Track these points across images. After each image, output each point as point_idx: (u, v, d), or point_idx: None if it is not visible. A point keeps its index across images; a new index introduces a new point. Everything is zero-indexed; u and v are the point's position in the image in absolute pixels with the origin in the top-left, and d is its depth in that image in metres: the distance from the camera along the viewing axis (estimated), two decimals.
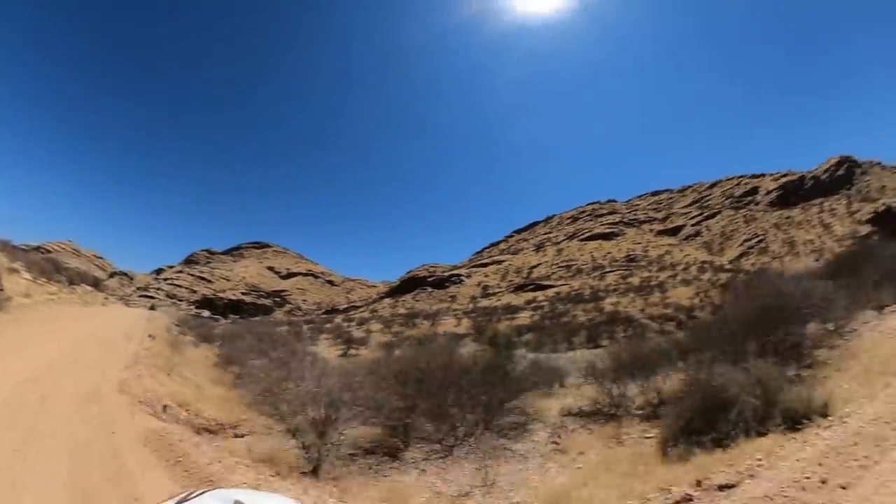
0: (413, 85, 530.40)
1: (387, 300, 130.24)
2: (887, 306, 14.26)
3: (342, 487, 7.84)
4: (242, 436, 10.18)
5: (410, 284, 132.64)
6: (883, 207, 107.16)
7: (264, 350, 21.13)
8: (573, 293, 71.20)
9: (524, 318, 58.50)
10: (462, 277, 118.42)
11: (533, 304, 69.32)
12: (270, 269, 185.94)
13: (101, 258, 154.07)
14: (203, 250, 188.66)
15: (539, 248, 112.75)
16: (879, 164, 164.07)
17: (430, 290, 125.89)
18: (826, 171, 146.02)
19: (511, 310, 67.97)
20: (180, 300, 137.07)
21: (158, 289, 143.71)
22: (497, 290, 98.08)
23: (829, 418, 6.76)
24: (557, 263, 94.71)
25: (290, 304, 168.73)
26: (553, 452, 10.11)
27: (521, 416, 11.98)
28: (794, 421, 6.85)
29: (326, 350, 39.19)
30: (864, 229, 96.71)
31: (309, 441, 8.52)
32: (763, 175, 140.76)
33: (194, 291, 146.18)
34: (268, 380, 11.28)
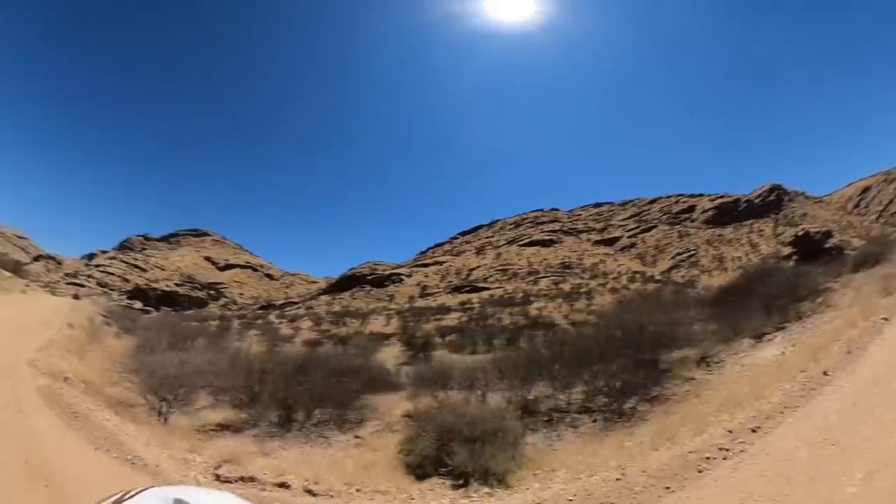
0: (369, 78, 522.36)
1: (324, 297, 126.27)
2: (766, 334, 13.14)
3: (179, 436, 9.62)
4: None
5: (349, 282, 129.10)
6: (802, 232, 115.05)
7: (179, 342, 22.51)
8: (506, 296, 70.36)
9: (452, 319, 57.29)
10: (402, 276, 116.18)
11: (465, 306, 68.18)
12: (208, 259, 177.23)
13: (24, 238, 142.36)
14: (139, 235, 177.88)
15: (480, 250, 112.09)
16: (804, 193, 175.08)
17: (369, 288, 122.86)
18: (759, 196, 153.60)
19: (443, 311, 66.48)
20: (112, 289, 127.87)
21: (89, 276, 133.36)
22: (435, 290, 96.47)
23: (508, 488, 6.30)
24: (495, 267, 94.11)
25: (226, 297, 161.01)
26: (352, 447, 10.49)
27: (365, 413, 12.53)
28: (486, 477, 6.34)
29: (254, 346, 38.83)
30: (786, 250, 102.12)
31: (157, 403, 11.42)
32: (701, 195, 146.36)
33: (126, 281, 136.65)
34: (159, 365, 13.03)
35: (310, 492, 6.68)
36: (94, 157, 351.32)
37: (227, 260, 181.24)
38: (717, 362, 11.50)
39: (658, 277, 79.27)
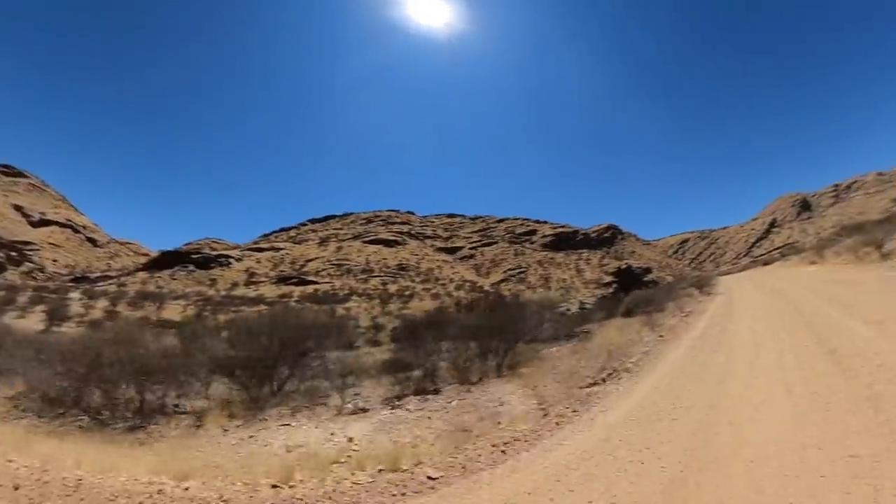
0: (247, 47, 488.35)
1: (141, 274, 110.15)
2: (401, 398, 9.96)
3: None
4: None
5: (172, 259, 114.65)
6: (625, 265, 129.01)
7: None
8: (330, 293, 66.61)
9: (253, 312, 52.01)
10: (231, 260, 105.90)
11: (283, 299, 63.09)
12: (18, 208, 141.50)
13: None
14: None
15: (323, 242, 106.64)
16: (635, 235, 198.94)
17: (192, 268, 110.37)
18: (596, 231, 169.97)
19: (252, 302, 60.68)
20: None
21: None
22: (262, 279, 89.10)
23: None
24: (332, 261, 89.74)
25: (33, 263, 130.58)
26: None
27: None
28: None
29: (36, 323, 34.07)
30: (608, 278, 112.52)
31: None
32: (546, 223, 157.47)
33: None
34: None
35: None
36: None
37: (43, 214, 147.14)
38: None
39: (486, 288, 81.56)
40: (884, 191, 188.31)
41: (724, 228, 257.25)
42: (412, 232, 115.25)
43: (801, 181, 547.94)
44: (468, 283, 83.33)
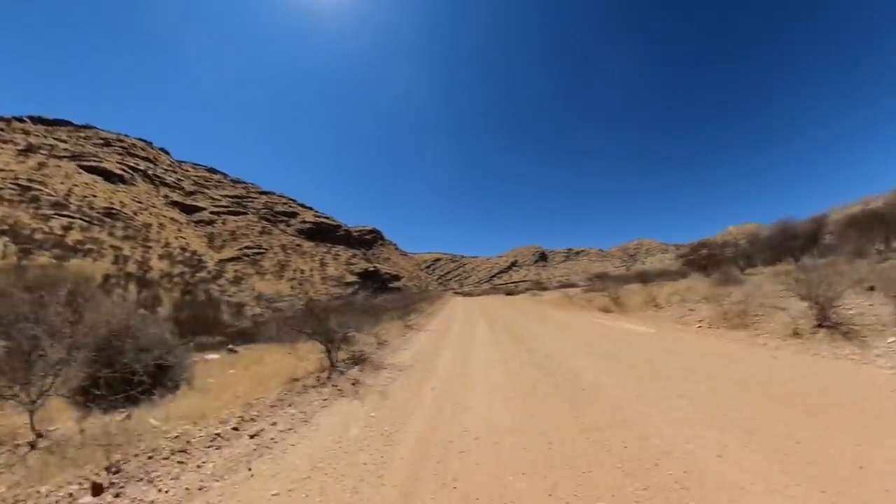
0: None
1: None
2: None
3: None
4: None
5: None
6: (373, 268, 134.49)
7: None
8: None
9: None
10: None
11: None
12: None
13: None
14: None
15: (27, 151, 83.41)
16: (396, 245, 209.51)
17: None
18: (360, 231, 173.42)
19: None
20: None
21: None
22: None
23: None
24: (20, 180, 71.17)
25: None
26: None
27: None
28: None
29: None
30: (352, 278, 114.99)
31: None
32: (311, 209, 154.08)
33: None
34: None
35: None
36: None
37: None
38: None
39: (206, 264, 74.94)
40: (601, 261, 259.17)
41: (474, 257, 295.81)
42: (150, 173, 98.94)
43: (542, 238, 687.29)
44: (188, 254, 75.36)
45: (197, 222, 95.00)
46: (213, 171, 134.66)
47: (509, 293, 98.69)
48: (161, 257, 62.97)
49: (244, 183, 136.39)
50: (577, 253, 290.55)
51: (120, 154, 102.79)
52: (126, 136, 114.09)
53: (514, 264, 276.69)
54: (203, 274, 67.61)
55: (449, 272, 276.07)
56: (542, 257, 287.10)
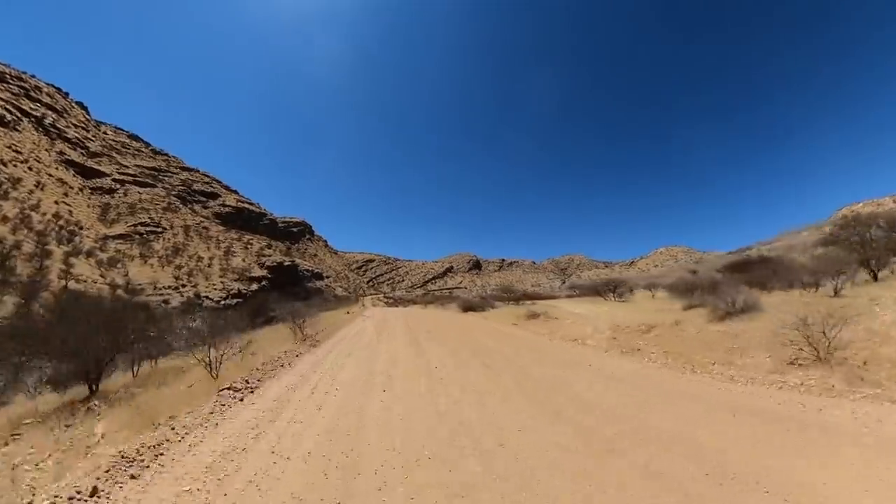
0: None
1: None
2: None
3: None
4: None
5: None
6: (290, 262, 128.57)
7: None
8: None
9: None
10: None
11: None
12: None
13: None
14: None
15: None
16: (326, 241, 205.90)
17: None
18: (286, 222, 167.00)
19: None
20: None
21: None
22: None
23: None
24: None
25: None
26: None
27: None
28: None
29: None
30: (261, 273, 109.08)
31: None
32: (235, 193, 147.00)
33: None
34: None
35: None
36: None
37: None
38: None
39: (81, 237, 68.51)
40: (534, 273, 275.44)
41: (409, 261, 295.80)
42: (46, 122, 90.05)
43: (477, 247, 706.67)
44: (65, 225, 68.68)
45: (94, 189, 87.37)
46: (135, 137, 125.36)
47: (425, 304, 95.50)
48: (5, 220, 55.97)
49: (166, 155, 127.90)
50: (511, 264, 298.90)
51: (14, 94, 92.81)
52: (32, 76, 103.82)
53: (449, 270, 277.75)
54: (67, 248, 61.51)
55: (381, 274, 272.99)
56: (477, 265, 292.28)
